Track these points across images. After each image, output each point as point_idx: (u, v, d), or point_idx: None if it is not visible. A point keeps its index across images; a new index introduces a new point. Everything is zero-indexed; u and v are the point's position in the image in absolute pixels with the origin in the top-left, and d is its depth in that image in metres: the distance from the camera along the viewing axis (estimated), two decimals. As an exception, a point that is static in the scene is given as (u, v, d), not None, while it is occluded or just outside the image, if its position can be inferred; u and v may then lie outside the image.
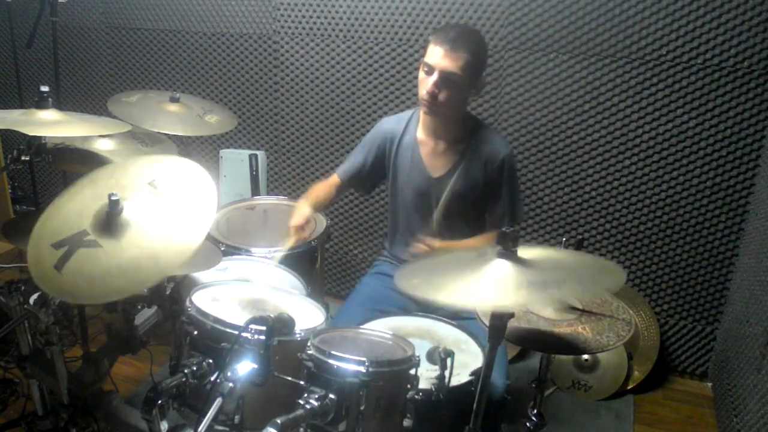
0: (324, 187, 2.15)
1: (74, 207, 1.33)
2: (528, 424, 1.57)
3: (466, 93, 1.85)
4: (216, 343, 1.39)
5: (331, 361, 1.29)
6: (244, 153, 3.10)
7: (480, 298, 1.15)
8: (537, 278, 1.13)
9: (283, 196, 2.95)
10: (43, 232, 1.29)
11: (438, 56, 1.75)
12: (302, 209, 2.04)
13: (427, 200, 1.98)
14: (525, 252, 1.23)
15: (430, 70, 1.78)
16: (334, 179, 2.15)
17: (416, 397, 1.38)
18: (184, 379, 1.33)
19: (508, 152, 1.93)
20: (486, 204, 1.99)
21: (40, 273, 1.22)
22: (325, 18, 2.80)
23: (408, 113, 2.04)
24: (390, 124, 2.04)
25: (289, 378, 1.34)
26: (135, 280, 1.22)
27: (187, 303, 1.51)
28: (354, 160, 2.11)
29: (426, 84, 1.79)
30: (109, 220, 1.29)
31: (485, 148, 1.92)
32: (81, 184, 1.38)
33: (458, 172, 1.94)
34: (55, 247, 1.25)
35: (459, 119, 1.93)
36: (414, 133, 1.98)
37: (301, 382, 1.32)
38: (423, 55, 1.82)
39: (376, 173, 2.09)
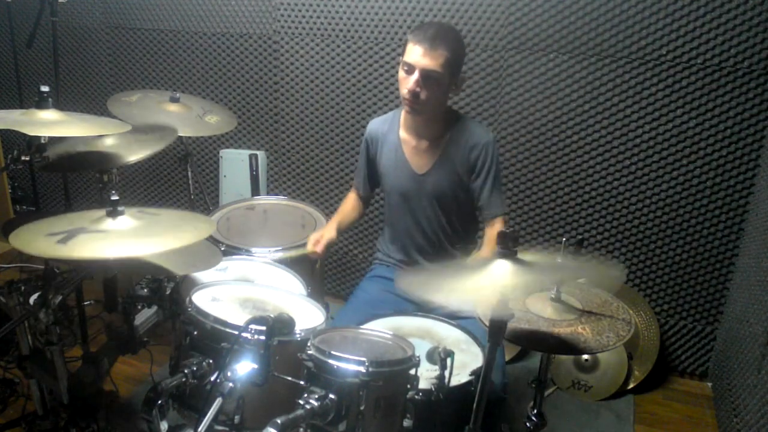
0: (347, 203, 2.19)
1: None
2: (528, 424, 1.56)
3: (447, 90, 1.85)
4: (216, 343, 1.39)
5: (331, 361, 1.29)
6: (244, 153, 3.10)
7: (480, 298, 1.15)
8: (537, 278, 1.13)
9: (283, 196, 2.96)
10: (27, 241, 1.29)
11: (418, 55, 1.75)
12: (328, 233, 2.01)
13: (414, 198, 1.98)
14: (525, 255, 1.23)
15: (410, 69, 1.77)
16: (352, 191, 2.20)
17: (416, 397, 1.38)
18: (184, 379, 1.33)
19: (490, 139, 1.91)
20: (473, 192, 1.95)
21: (43, 249, 1.22)
22: (325, 18, 2.79)
23: (392, 113, 2.04)
24: (375, 124, 2.05)
25: (289, 378, 1.34)
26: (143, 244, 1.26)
27: (187, 303, 1.51)
28: (360, 169, 2.14)
29: (407, 83, 1.78)
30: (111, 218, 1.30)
31: (466, 139, 1.91)
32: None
33: (443, 167, 1.93)
34: (53, 235, 1.25)
35: (440, 116, 1.92)
36: (397, 133, 1.98)
37: (301, 382, 1.32)
38: (402, 54, 1.81)
39: (373, 174, 2.11)
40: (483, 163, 1.90)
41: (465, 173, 1.93)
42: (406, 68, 1.79)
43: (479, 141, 1.90)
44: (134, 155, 1.94)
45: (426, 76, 1.76)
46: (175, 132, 2.06)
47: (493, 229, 1.92)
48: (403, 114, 1.97)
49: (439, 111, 1.90)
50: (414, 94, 1.78)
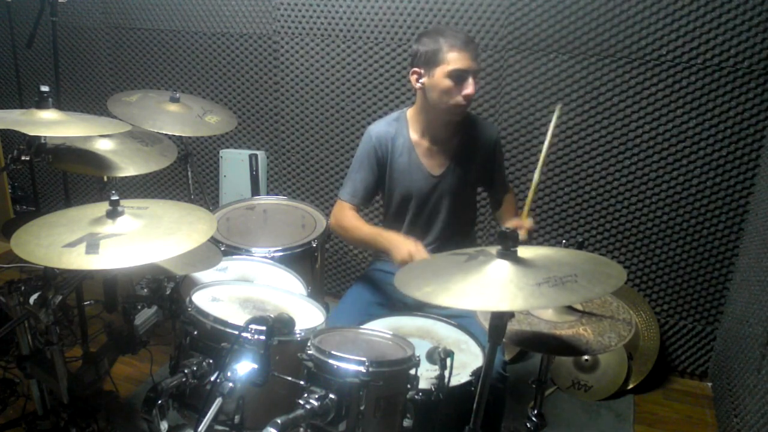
0: (354, 218, 2.00)
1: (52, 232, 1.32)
2: (528, 424, 1.56)
3: None
4: (216, 343, 1.39)
5: (331, 361, 1.29)
6: (244, 153, 3.10)
7: (482, 302, 1.14)
8: (537, 281, 1.13)
9: (283, 196, 2.96)
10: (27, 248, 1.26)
11: (468, 60, 1.78)
12: (411, 241, 1.79)
13: (430, 199, 1.98)
14: (525, 252, 1.23)
15: (462, 76, 1.78)
16: (347, 207, 2.00)
17: (416, 397, 1.38)
18: (184, 379, 1.33)
19: (497, 133, 2.05)
20: (483, 185, 2.13)
21: (70, 262, 1.20)
22: (325, 18, 2.79)
23: (395, 115, 2.01)
24: (380, 128, 1.98)
25: (289, 378, 1.34)
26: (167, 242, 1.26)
27: (187, 303, 1.51)
28: (358, 178, 1.99)
29: (465, 89, 1.78)
30: (113, 218, 1.30)
31: (479, 138, 1.99)
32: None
33: (458, 168, 1.96)
34: (71, 245, 1.24)
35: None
36: (407, 135, 1.96)
37: (301, 382, 1.32)
38: (434, 65, 1.78)
39: (380, 181, 2.03)
40: (497, 156, 2.06)
41: (479, 171, 2.02)
42: (455, 76, 1.77)
43: (490, 138, 2.01)
44: (135, 167, 1.93)
45: (475, 77, 1.82)
46: (174, 151, 2.09)
47: (508, 196, 2.18)
48: (411, 116, 1.97)
49: None
50: (470, 99, 1.81)
